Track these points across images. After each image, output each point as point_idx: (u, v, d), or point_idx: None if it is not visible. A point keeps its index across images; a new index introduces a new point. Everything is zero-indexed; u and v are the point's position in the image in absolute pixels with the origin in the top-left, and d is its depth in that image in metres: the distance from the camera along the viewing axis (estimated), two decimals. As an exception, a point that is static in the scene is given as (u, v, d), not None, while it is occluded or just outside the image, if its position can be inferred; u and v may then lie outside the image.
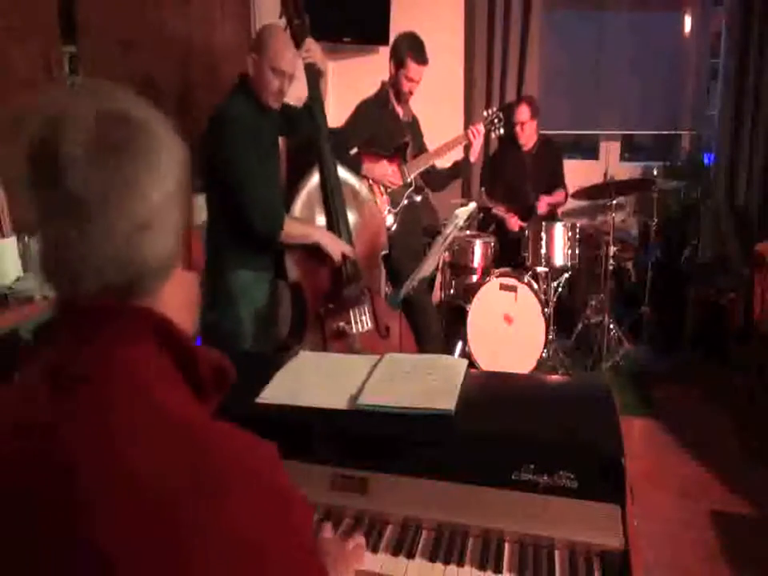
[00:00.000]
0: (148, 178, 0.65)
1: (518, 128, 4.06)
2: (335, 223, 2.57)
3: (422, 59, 3.24)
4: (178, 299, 0.72)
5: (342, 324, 2.59)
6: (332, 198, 2.57)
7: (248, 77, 2.46)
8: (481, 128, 3.42)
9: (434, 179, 3.55)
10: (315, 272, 2.58)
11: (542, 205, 4.05)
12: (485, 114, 3.61)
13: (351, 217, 2.65)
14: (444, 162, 3.55)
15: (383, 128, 3.29)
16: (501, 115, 3.56)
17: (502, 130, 3.58)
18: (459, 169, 3.55)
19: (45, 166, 0.62)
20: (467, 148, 3.48)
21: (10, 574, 0.60)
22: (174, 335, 0.68)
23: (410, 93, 3.32)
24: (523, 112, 4.03)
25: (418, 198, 3.43)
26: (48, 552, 0.59)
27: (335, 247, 2.52)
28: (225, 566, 0.58)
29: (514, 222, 4.00)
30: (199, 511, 0.58)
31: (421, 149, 3.46)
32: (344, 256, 2.54)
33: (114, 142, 0.63)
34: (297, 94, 2.68)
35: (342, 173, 2.64)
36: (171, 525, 0.58)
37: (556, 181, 4.20)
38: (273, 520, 0.63)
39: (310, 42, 2.60)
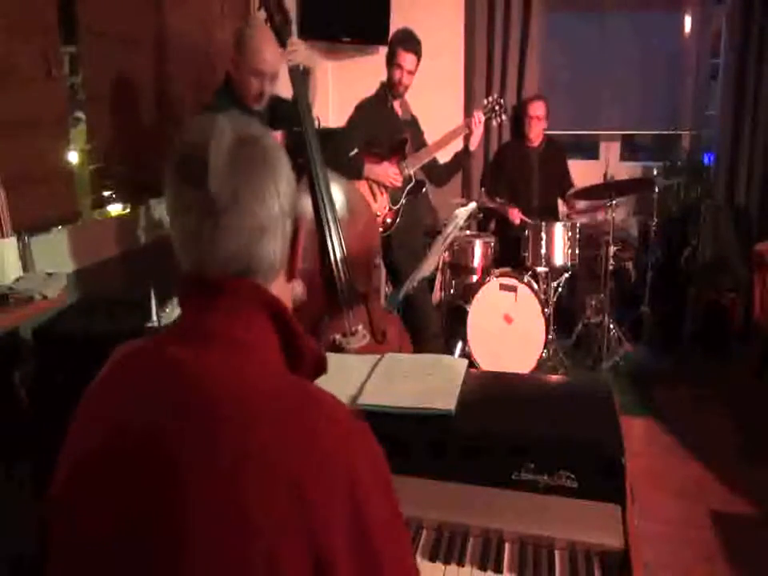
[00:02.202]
0: (270, 190, 0.78)
1: (530, 122, 4.07)
2: (325, 228, 2.51)
3: (411, 48, 3.24)
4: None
5: (337, 337, 2.52)
6: (322, 203, 2.49)
7: (231, 77, 2.43)
8: (481, 116, 3.42)
9: (435, 173, 3.55)
10: (309, 284, 2.53)
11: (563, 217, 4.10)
12: (485, 101, 3.60)
13: (343, 221, 2.58)
14: (445, 156, 3.54)
15: (383, 128, 3.29)
16: (502, 101, 3.56)
17: (503, 117, 3.58)
18: (460, 160, 3.54)
19: (194, 169, 0.76)
20: (467, 137, 3.47)
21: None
22: (285, 316, 0.80)
23: (405, 86, 3.30)
24: (539, 107, 4.06)
25: (423, 189, 3.42)
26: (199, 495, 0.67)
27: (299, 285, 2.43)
28: (348, 537, 0.68)
29: (515, 215, 3.99)
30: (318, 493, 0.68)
31: (420, 147, 3.46)
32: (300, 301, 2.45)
33: (247, 158, 0.78)
34: (287, 90, 2.64)
35: (333, 176, 2.58)
36: (299, 502, 0.67)
37: (565, 182, 4.21)
38: (384, 503, 0.75)
39: (293, 42, 2.47)
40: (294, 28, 2.61)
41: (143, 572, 0.68)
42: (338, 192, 2.60)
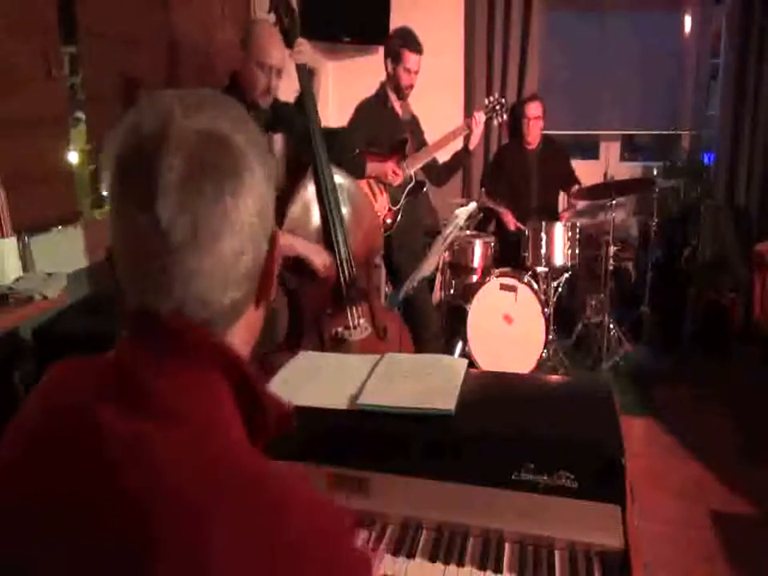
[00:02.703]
0: (241, 212, 0.61)
1: (527, 123, 4.06)
2: (331, 226, 2.55)
3: (417, 48, 3.23)
4: (243, 336, 0.69)
5: (340, 329, 2.56)
6: (328, 200, 2.54)
7: (238, 74, 2.45)
8: (482, 116, 3.42)
9: (434, 172, 3.55)
10: (312, 278, 2.57)
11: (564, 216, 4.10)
12: (486, 101, 3.59)
13: (347, 219, 2.62)
14: (444, 156, 3.55)
15: (383, 127, 3.29)
16: (503, 101, 3.55)
17: (505, 116, 3.58)
18: (460, 159, 3.54)
19: (139, 182, 0.59)
20: (467, 137, 3.47)
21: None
22: (246, 376, 0.65)
23: (411, 86, 3.31)
24: (536, 108, 4.05)
25: (424, 189, 3.42)
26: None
27: (319, 259, 2.49)
28: None
29: (509, 220, 4.01)
30: None
31: (421, 147, 3.46)
32: (329, 268, 2.51)
33: (211, 169, 0.60)
34: (289, 92, 2.66)
35: (338, 175, 2.61)
36: None
37: (569, 180, 4.20)
38: None
39: (300, 42, 2.55)
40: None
41: None
42: (342, 189, 2.62)
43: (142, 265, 0.61)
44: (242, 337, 0.68)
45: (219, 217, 0.60)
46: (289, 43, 2.54)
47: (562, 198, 4.36)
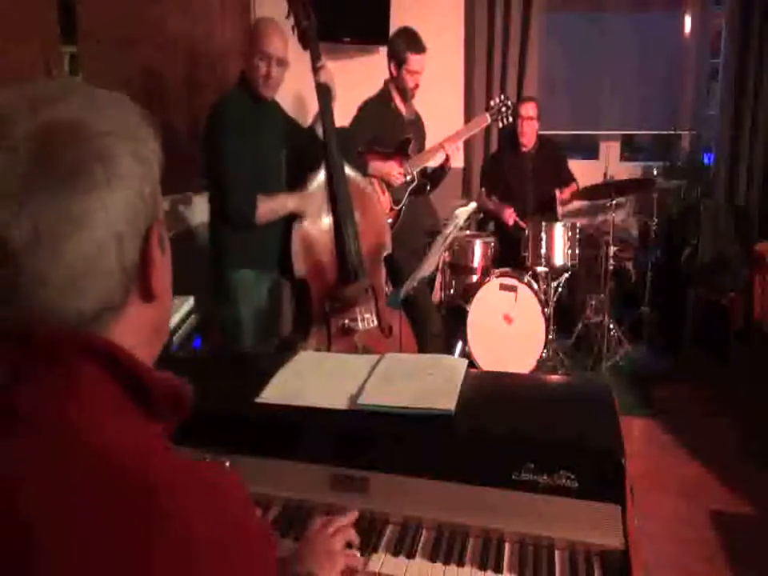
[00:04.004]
0: (93, 208, 0.55)
1: (521, 124, 4.04)
2: (342, 223, 2.59)
3: (420, 49, 3.23)
4: (131, 338, 0.63)
5: (347, 321, 2.61)
6: (340, 200, 2.59)
7: (245, 72, 2.50)
8: (487, 118, 3.43)
9: (430, 176, 3.55)
10: (322, 267, 2.61)
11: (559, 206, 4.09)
12: (491, 102, 3.55)
13: (357, 217, 2.67)
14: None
15: (386, 127, 3.29)
16: (509, 103, 3.51)
17: (511, 118, 3.54)
18: (438, 174, 3.50)
19: None
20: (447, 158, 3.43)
21: None
22: (120, 362, 0.60)
23: (417, 86, 3.30)
24: (530, 108, 4.02)
25: (427, 188, 3.42)
26: None
27: (310, 206, 2.56)
28: None
29: (508, 215, 3.98)
30: None
31: (423, 146, 3.46)
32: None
33: (55, 164, 0.54)
34: (295, 90, 2.68)
35: (350, 173, 2.66)
36: None
37: (564, 179, 4.19)
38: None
39: (324, 67, 2.64)
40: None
41: None
42: (354, 185, 2.69)
43: None
44: (131, 337, 0.63)
45: (64, 219, 0.54)
46: (305, 45, 2.59)
47: (559, 201, 4.33)
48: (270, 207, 2.52)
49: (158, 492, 0.55)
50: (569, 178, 4.21)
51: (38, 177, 0.54)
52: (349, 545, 1.15)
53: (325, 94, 2.61)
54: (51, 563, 0.52)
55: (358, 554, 1.16)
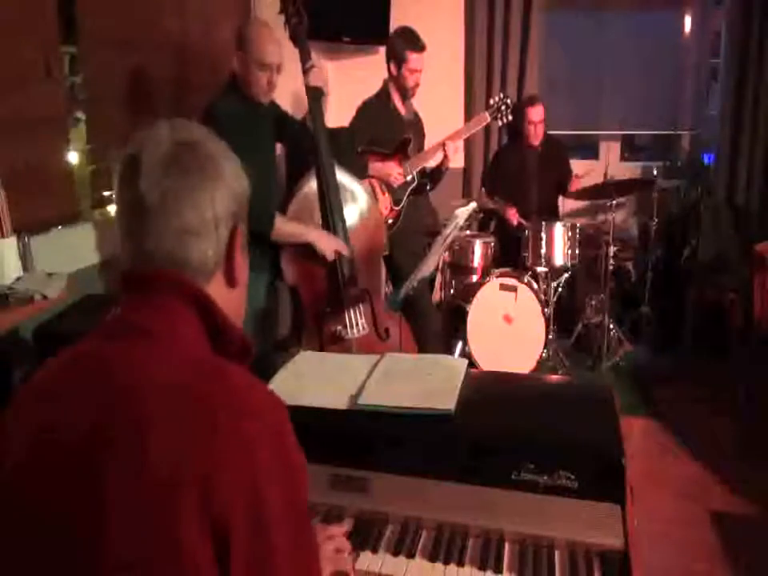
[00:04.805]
0: (201, 195, 0.82)
1: (530, 128, 4.03)
2: (332, 226, 2.56)
3: (419, 47, 3.22)
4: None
5: (338, 328, 2.57)
6: (329, 202, 2.55)
7: (236, 75, 2.46)
8: (487, 117, 3.42)
9: (429, 176, 3.55)
10: (311, 275, 2.58)
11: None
12: (491, 101, 3.52)
13: (349, 219, 2.64)
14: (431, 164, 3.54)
15: (386, 127, 3.29)
16: (508, 101, 3.48)
17: (510, 116, 3.52)
18: (437, 174, 3.51)
19: (130, 170, 0.81)
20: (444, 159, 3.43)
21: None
22: (210, 306, 0.83)
23: (417, 85, 3.29)
24: (538, 112, 4.00)
25: (427, 188, 3.42)
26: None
27: (328, 245, 2.52)
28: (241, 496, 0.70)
29: (512, 215, 3.98)
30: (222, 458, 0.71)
31: (423, 146, 3.46)
32: (339, 254, 2.53)
33: (181, 163, 0.81)
34: (291, 89, 2.66)
35: (340, 175, 2.63)
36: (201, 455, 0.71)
37: (565, 179, 4.20)
38: (285, 496, 0.74)
39: (315, 67, 2.60)
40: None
41: (65, 555, 0.72)
42: (345, 189, 2.64)
43: (128, 223, 0.82)
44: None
45: (184, 194, 0.81)
46: (295, 42, 2.57)
47: (561, 199, 4.36)
48: (289, 233, 2.51)
49: (234, 380, 0.79)
50: (569, 177, 4.20)
51: (169, 166, 0.81)
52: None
53: (316, 98, 2.58)
54: (166, 433, 0.72)
55: (347, 556, 1.16)
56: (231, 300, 0.89)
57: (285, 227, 2.48)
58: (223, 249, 0.85)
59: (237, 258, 0.87)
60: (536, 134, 4.07)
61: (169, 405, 0.73)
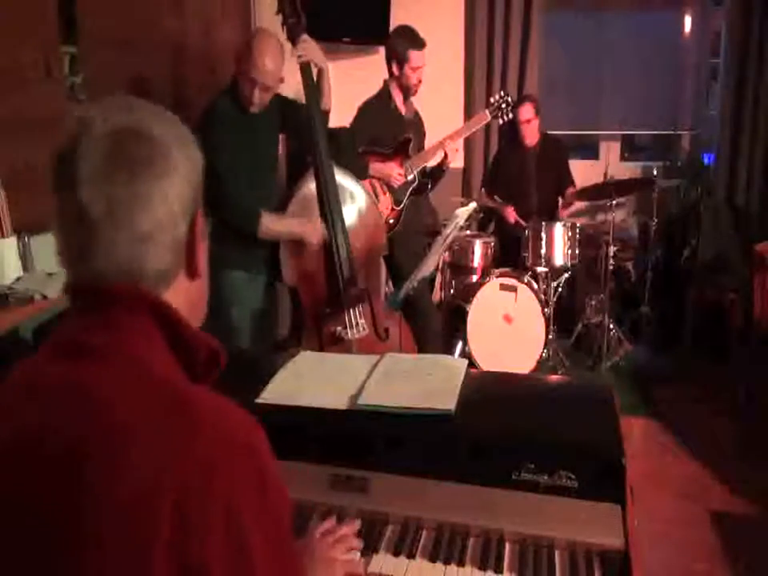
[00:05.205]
0: (154, 194, 0.71)
1: (521, 126, 4.04)
2: (331, 226, 2.57)
3: (420, 45, 3.22)
4: (179, 304, 0.78)
5: (338, 328, 2.57)
6: (328, 200, 2.56)
7: (236, 80, 2.48)
8: (487, 115, 3.41)
9: (429, 176, 3.54)
10: (311, 275, 2.59)
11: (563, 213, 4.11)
12: (491, 99, 3.52)
13: (348, 219, 2.64)
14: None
15: (386, 127, 3.28)
16: (509, 99, 3.47)
17: (510, 114, 3.52)
18: (437, 173, 3.51)
19: (64, 173, 0.70)
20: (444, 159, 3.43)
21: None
22: (171, 316, 0.75)
23: (419, 83, 3.29)
24: (527, 111, 4.01)
25: (428, 187, 3.41)
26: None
27: (312, 235, 2.53)
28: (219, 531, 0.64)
29: (509, 213, 3.99)
30: (189, 490, 0.64)
31: (423, 146, 3.46)
32: (324, 240, 2.54)
33: (125, 158, 0.70)
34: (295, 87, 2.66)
35: (339, 176, 2.63)
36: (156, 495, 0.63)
37: (564, 179, 4.19)
38: (253, 496, 0.68)
39: (304, 40, 2.57)
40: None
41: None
42: (345, 190, 2.64)
43: (70, 239, 0.72)
44: (177, 304, 0.77)
45: (133, 199, 0.70)
46: (293, 42, 2.58)
47: (560, 204, 4.35)
48: (276, 231, 2.51)
49: (199, 407, 0.70)
50: (568, 181, 4.20)
51: (112, 167, 0.70)
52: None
53: (307, 74, 2.57)
54: (140, 446, 0.65)
55: (359, 558, 1.16)
56: (194, 292, 0.81)
57: (274, 226, 2.49)
58: (183, 246, 0.76)
59: (198, 249, 0.78)
60: (529, 134, 4.07)
61: (126, 440, 0.66)
